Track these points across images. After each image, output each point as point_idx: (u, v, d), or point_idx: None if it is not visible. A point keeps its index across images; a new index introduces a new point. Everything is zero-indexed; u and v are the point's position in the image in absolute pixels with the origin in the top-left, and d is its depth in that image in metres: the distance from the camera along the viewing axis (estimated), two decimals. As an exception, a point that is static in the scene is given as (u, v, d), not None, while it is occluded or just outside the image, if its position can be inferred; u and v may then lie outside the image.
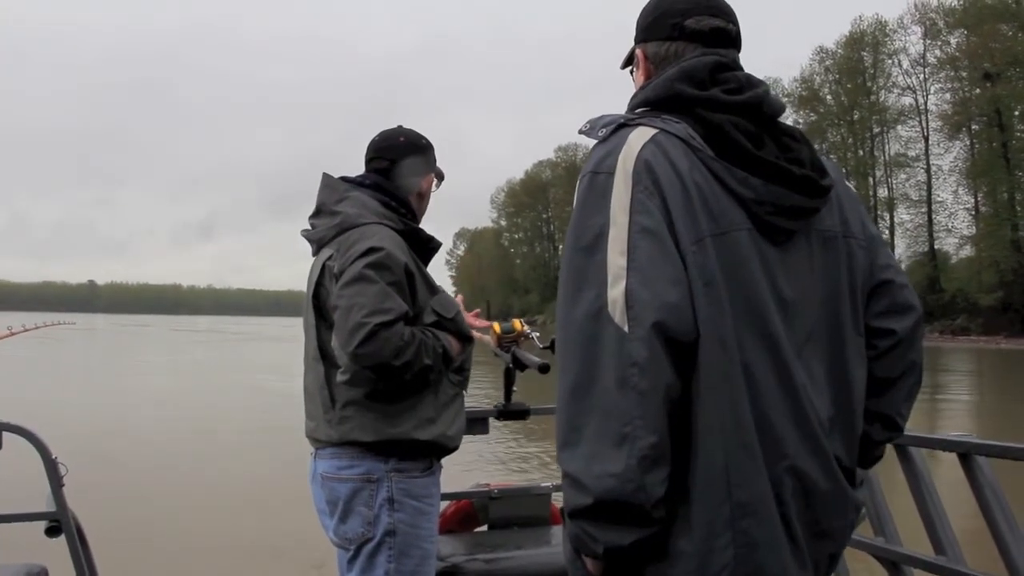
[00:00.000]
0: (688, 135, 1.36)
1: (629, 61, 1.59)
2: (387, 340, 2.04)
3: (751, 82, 1.45)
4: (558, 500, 3.00)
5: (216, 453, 10.70)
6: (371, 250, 2.13)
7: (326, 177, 2.39)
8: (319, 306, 2.25)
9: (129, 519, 6.90)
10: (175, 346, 46.80)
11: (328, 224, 2.29)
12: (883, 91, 69.90)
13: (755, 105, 1.43)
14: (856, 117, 70.83)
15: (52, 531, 2.42)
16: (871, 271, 1.50)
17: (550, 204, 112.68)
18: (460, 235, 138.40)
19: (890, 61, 69.14)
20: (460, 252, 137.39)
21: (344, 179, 2.38)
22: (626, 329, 1.24)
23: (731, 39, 1.50)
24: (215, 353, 40.05)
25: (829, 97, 73.73)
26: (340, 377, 2.14)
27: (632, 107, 1.48)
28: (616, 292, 1.27)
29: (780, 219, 1.37)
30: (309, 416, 2.30)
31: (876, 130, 70.30)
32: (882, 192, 70.01)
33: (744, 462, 1.29)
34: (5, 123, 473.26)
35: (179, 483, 8.61)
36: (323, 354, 2.23)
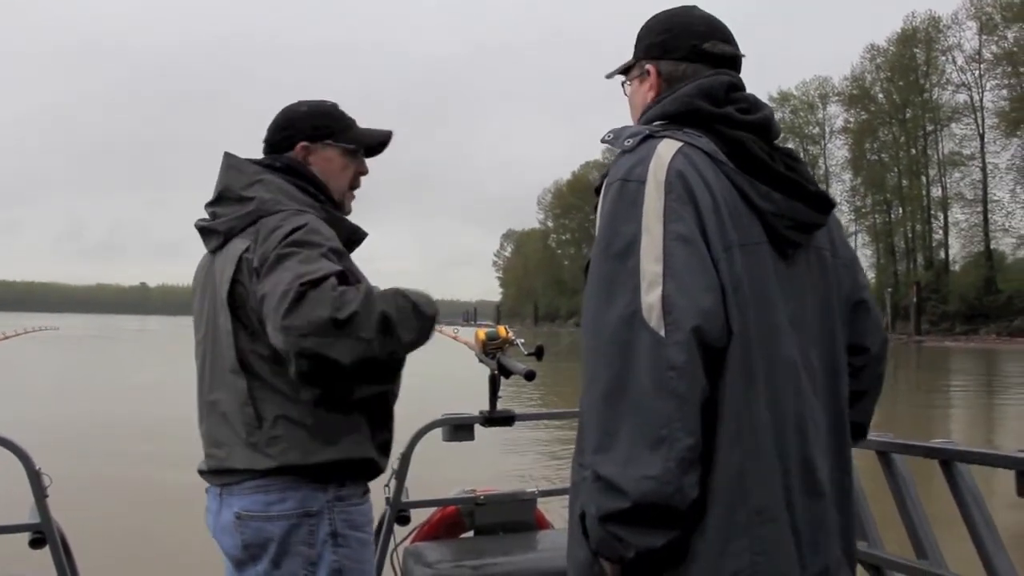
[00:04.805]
0: (712, 149, 1.41)
1: (625, 71, 1.63)
2: (319, 298, 1.65)
3: (758, 104, 1.53)
4: (542, 505, 3.00)
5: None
6: (293, 230, 1.82)
7: (230, 157, 2.04)
8: (236, 308, 1.88)
9: (117, 529, 6.79)
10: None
11: (238, 212, 1.95)
12: (936, 88, 68.38)
13: (764, 125, 1.50)
14: (908, 115, 69.47)
15: (36, 543, 2.37)
16: (852, 290, 1.59)
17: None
18: (507, 236, 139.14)
19: (944, 58, 67.60)
20: (507, 253, 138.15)
21: (252, 161, 2.07)
22: (662, 334, 1.27)
23: (737, 65, 1.59)
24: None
25: (881, 95, 72.49)
26: (291, 371, 1.71)
27: (647, 119, 1.52)
28: (652, 298, 1.29)
29: (794, 233, 1.43)
30: (215, 444, 1.92)
31: (929, 128, 68.85)
32: (935, 191, 68.68)
33: (760, 467, 1.32)
34: (61, 131, 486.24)
35: (169, 492, 7.98)
36: (243, 365, 1.87)
